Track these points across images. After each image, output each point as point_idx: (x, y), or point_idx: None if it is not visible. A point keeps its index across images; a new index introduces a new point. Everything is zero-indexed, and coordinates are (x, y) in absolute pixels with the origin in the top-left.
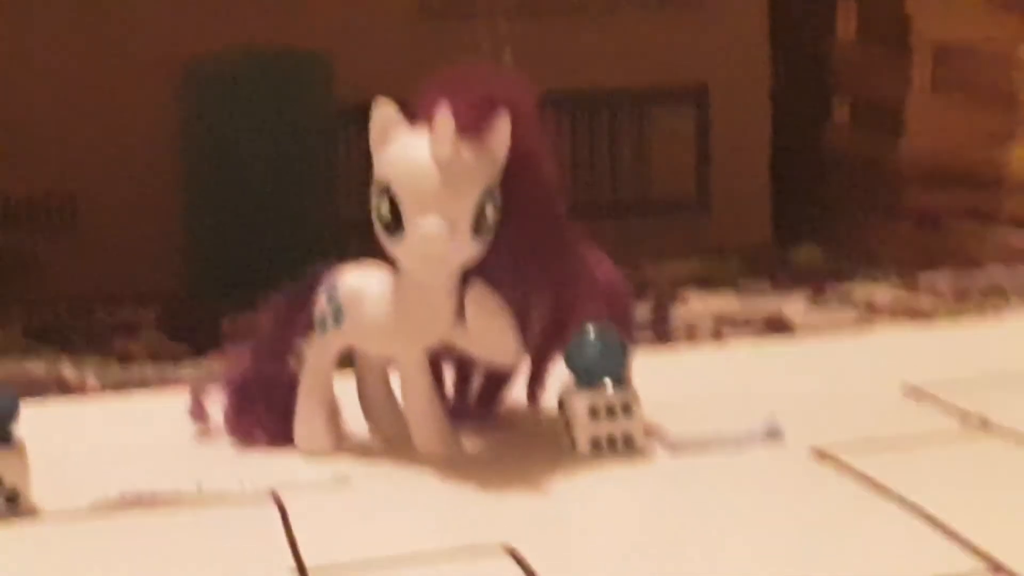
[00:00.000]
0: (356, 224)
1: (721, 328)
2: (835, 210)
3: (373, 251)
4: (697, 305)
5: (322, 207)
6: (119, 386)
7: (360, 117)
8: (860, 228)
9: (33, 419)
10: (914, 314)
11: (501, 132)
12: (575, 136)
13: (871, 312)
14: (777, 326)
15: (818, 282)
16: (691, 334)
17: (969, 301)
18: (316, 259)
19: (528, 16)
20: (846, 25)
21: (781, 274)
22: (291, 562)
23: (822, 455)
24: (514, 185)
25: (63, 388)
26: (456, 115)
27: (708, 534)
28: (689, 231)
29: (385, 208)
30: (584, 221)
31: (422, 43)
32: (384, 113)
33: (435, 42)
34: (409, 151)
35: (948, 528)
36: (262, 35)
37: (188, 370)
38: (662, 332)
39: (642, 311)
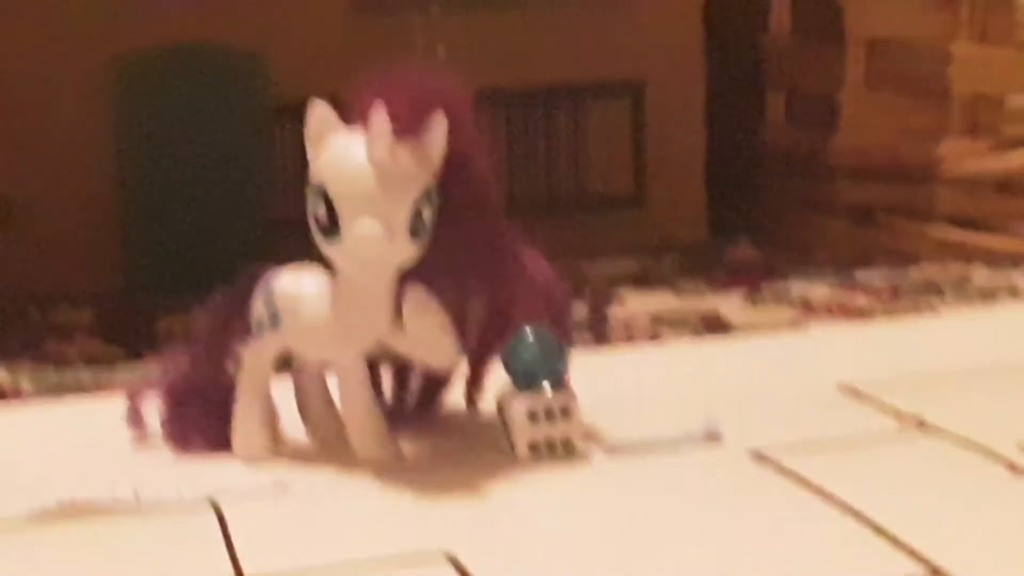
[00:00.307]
0: (291, 222)
1: (658, 327)
2: (770, 206)
3: (308, 250)
4: (634, 304)
5: (257, 205)
6: (54, 391)
7: (295, 114)
8: (795, 224)
9: None
10: (850, 312)
11: (437, 133)
12: (511, 132)
13: (807, 310)
14: (714, 325)
15: (754, 279)
16: (628, 334)
17: (904, 298)
18: (252, 258)
19: (463, 11)
20: (780, 20)
21: (717, 271)
22: (230, 570)
23: (760, 456)
24: (450, 186)
25: None
26: (392, 116)
27: (648, 537)
28: (625, 227)
29: (321, 210)
30: (520, 218)
31: (356, 39)
32: (319, 114)
33: (369, 38)
34: (345, 153)
35: (888, 532)
36: (195, 32)
37: (124, 373)
38: (599, 332)
39: (579, 310)
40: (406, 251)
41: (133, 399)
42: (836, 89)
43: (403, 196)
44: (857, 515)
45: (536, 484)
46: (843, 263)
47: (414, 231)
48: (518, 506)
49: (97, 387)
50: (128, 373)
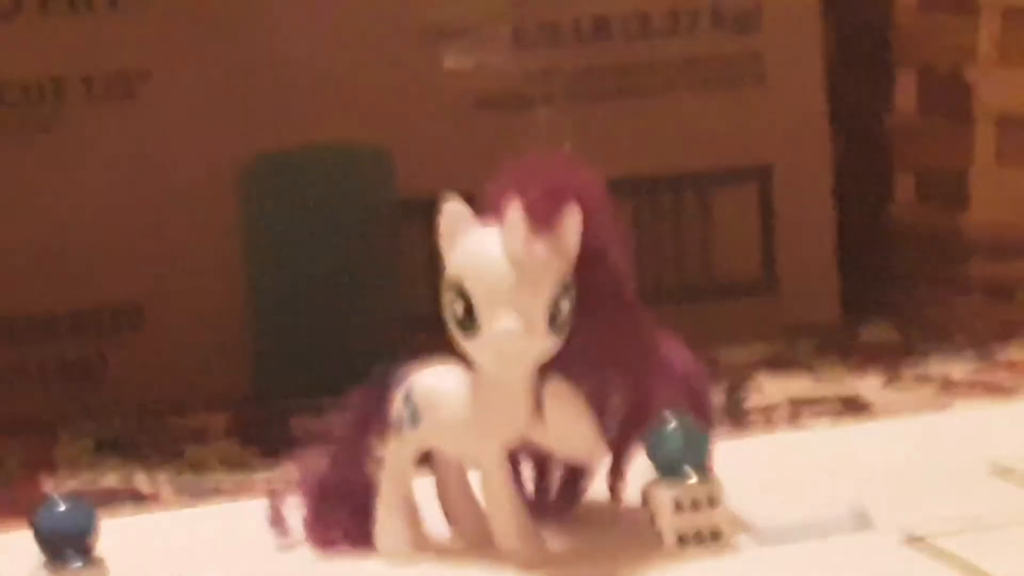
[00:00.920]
0: (421, 319)
1: (797, 411)
2: (904, 285)
3: (440, 347)
4: (771, 388)
5: (387, 303)
6: (194, 495)
7: (421, 211)
8: (930, 302)
9: (111, 533)
10: (992, 389)
11: (573, 224)
12: (638, 221)
13: (948, 389)
14: (854, 407)
15: (892, 360)
16: (767, 418)
17: None
18: (382, 356)
19: (584, 102)
20: (906, 97)
21: (854, 353)
22: None
23: (914, 539)
24: (587, 277)
25: (137, 499)
26: (527, 209)
27: None
28: (757, 312)
29: (459, 306)
30: (650, 307)
31: (480, 135)
32: (453, 210)
33: (493, 133)
34: (481, 248)
35: None
36: (320, 132)
37: (261, 475)
38: (738, 418)
39: (716, 397)
40: (545, 345)
41: (274, 500)
42: (966, 165)
43: (541, 289)
44: None
45: (687, 575)
46: (981, 340)
47: (552, 324)
48: None
49: (236, 489)
50: (265, 474)
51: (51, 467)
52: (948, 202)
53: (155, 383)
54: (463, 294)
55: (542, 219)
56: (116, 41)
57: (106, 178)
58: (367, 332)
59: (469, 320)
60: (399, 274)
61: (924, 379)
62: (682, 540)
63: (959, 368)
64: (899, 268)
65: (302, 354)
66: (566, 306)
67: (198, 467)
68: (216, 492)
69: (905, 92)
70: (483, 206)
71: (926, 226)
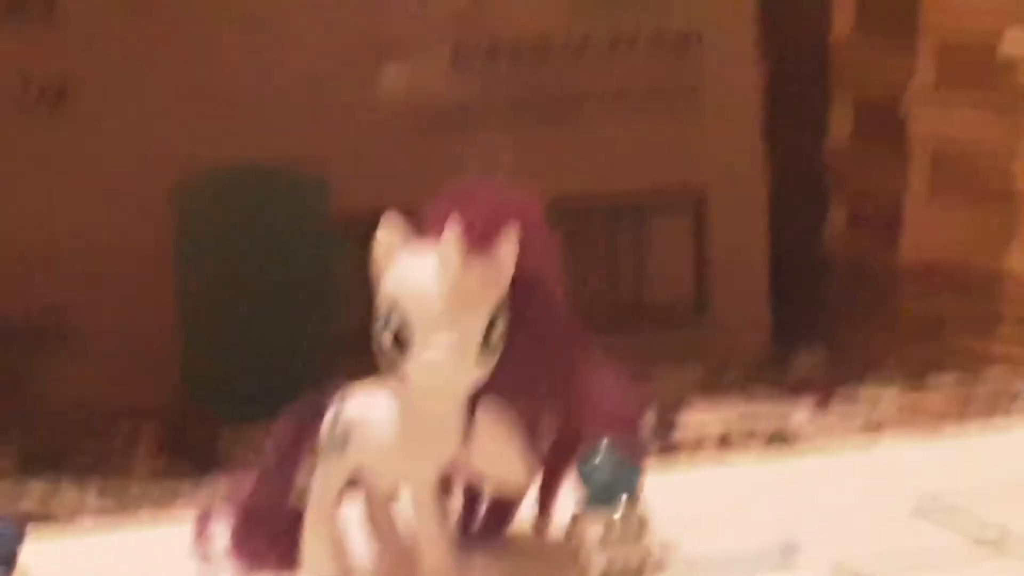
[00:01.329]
0: (354, 340)
1: (726, 441)
2: (836, 314)
3: (372, 368)
4: (700, 416)
5: (319, 322)
6: (119, 507)
7: (356, 231)
8: (860, 333)
9: (32, 550)
10: (920, 422)
11: (509, 248)
12: (571, 246)
13: (876, 420)
14: (781, 437)
15: (821, 389)
16: (696, 446)
17: (977, 407)
18: (314, 375)
19: (522, 126)
20: (842, 127)
21: (783, 381)
22: None
23: (841, 571)
24: (521, 301)
25: (62, 512)
26: (464, 232)
27: None
28: (689, 338)
29: (392, 327)
30: (583, 336)
31: (416, 156)
32: (390, 230)
33: (429, 155)
34: (416, 270)
35: None
36: (255, 149)
37: (188, 488)
38: (666, 444)
39: (647, 422)
40: (478, 368)
41: (200, 521)
42: (900, 197)
43: (475, 313)
44: None
45: None
46: (911, 372)
47: (486, 348)
48: None
49: (162, 502)
50: (193, 487)
51: None
52: (881, 233)
53: (81, 395)
54: (396, 316)
55: (478, 242)
56: (51, 48)
57: (35, 185)
58: (299, 351)
59: (401, 343)
60: (332, 294)
61: (852, 411)
62: (607, 573)
63: (888, 399)
64: (831, 298)
65: (232, 370)
66: (500, 328)
67: (124, 478)
68: (142, 504)
69: (841, 122)
70: (418, 228)
71: (859, 257)
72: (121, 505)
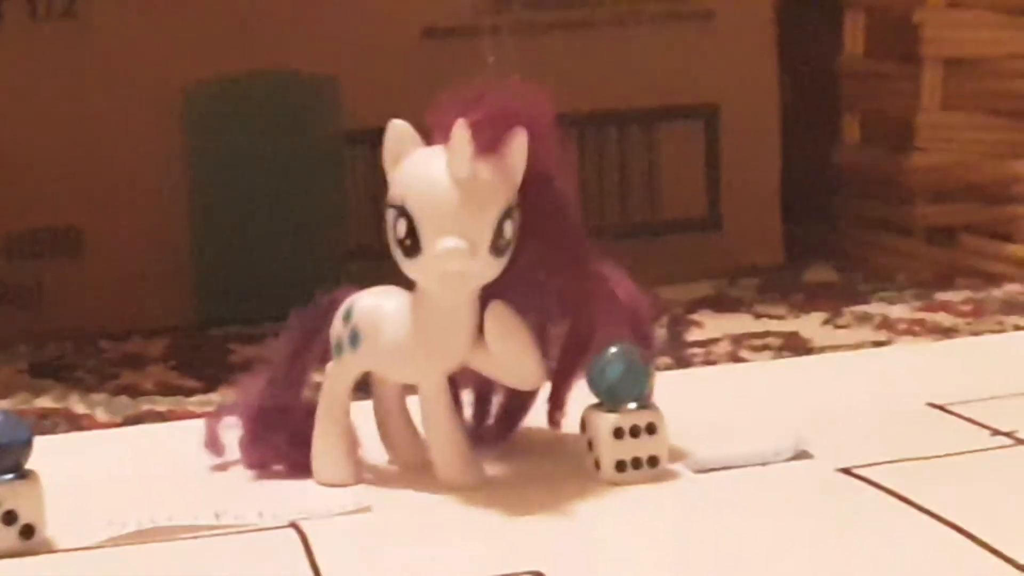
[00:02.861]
0: (364, 249)
1: (738, 346)
2: (847, 228)
3: (382, 278)
4: (712, 326)
5: (331, 232)
6: (129, 420)
7: (366, 141)
8: (873, 246)
9: (45, 451)
10: (933, 331)
11: (519, 147)
12: (583, 156)
13: (889, 330)
14: (793, 343)
15: (833, 300)
16: (708, 353)
17: (987, 318)
18: (324, 285)
19: (532, 35)
20: (854, 41)
21: (795, 293)
22: None
23: (850, 472)
24: (531, 203)
25: (71, 420)
26: (473, 130)
27: (740, 553)
28: (700, 251)
29: (401, 228)
30: (593, 243)
31: (426, 65)
32: (398, 131)
33: (439, 64)
34: (425, 169)
35: (985, 542)
36: (266, 59)
37: (198, 400)
38: (679, 356)
39: (658, 335)
40: (488, 268)
41: (211, 424)
42: (912, 109)
43: (485, 211)
44: (953, 526)
45: (623, 503)
46: (923, 283)
47: (496, 248)
48: (606, 525)
49: (171, 414)
50: (202, 400)
51: None
52: (894, 145)
53: (93, 309)
54: (406, 214)
55: (488, 141)
56: None
57: (47, 100)
58: (310, 261)
59: (411, 241)
60: (343, 203)
61: (864, 318)
62: (620, 468)
63: (899, 309)
64: (843, 210)
65: (245, 282)
66: (510, 230)
67: (133, 392)
68: (151, 416)
69: (853, 34)
70: (429, 129)
71: (871, 169)
72: (129, 413)
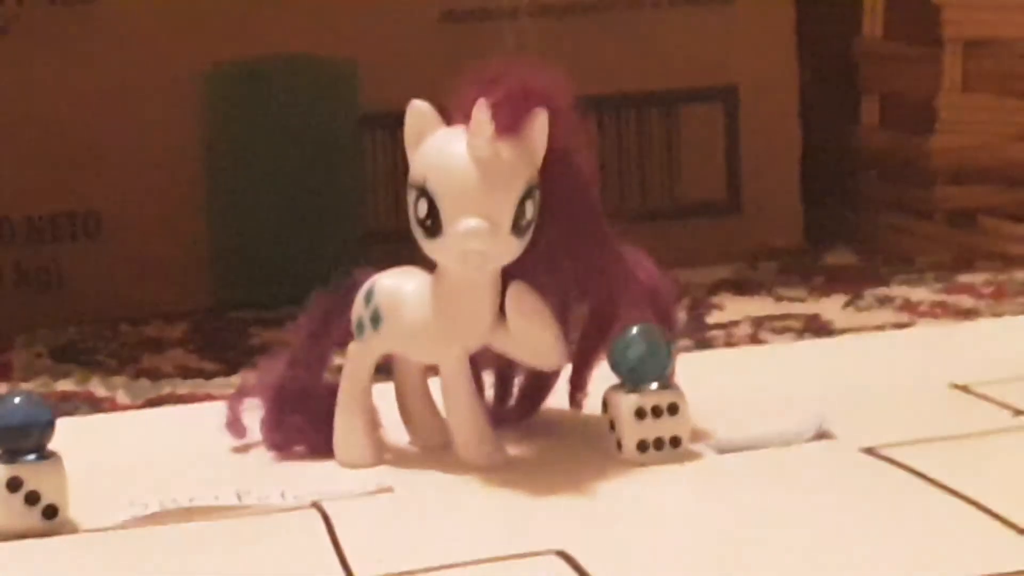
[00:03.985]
0: (383, 233)
1: (759, 328)
2: (867, 211)
3: (400, 261)
4: (733, 308)
5: (349, 216)
6: (150, 403)
7: (384, 124)
8: (893, 228)
9: (66, 433)
10: (955, 313)
11: (540, 127)
12: (602, 139)
13: (911, 312)
14: (815, 325)
15: (854, 283)
16: (729, 335)
17: (1009, 300)
18: (343, 270)
19: (550, 18)
20: (873, 22)
21: (816, 276)
22: (341, 572)
23: (873, 452)
24: (552, 182)
25: (92, 403)
26: (494, 110)
27: (762, 533)
28: (720, 234)
29: (422, 208)
30: (613, 225)
31: (445, 48)
32: (418, 111)
33: (458, 47)
34: (446, 149)
35: (1009, 520)
36: (283, 43)
37: (218, 383)
38: (699, 338)
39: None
40: (509, 248)
41: (232, 405)
42: (932, 91)
43: (506, 191)
44: (977, 505)
45: (646, 482)
46: (944, 267)
47: (517, 228)
48: (628, 505)
49: (191, 397)
50: (222, 383)
51: (6, 373)
52: (913, 127)
53: (112, 292)
54: (426, 195)
55: (508, 120)
56: None
57: (66, 83)
58: (328, 244)
59: (432, 221)
60: (362, 187)
61: (885, 300)
62: (642, 448)
63: (921, 291)
64: (863, 193)
65: (262, 265)
66: (531, 210)
67: (154, 375)
68: (171, 399)
69: (873, 15)
70: (449, 109)
71: (891, 151)
72: (149, 396)
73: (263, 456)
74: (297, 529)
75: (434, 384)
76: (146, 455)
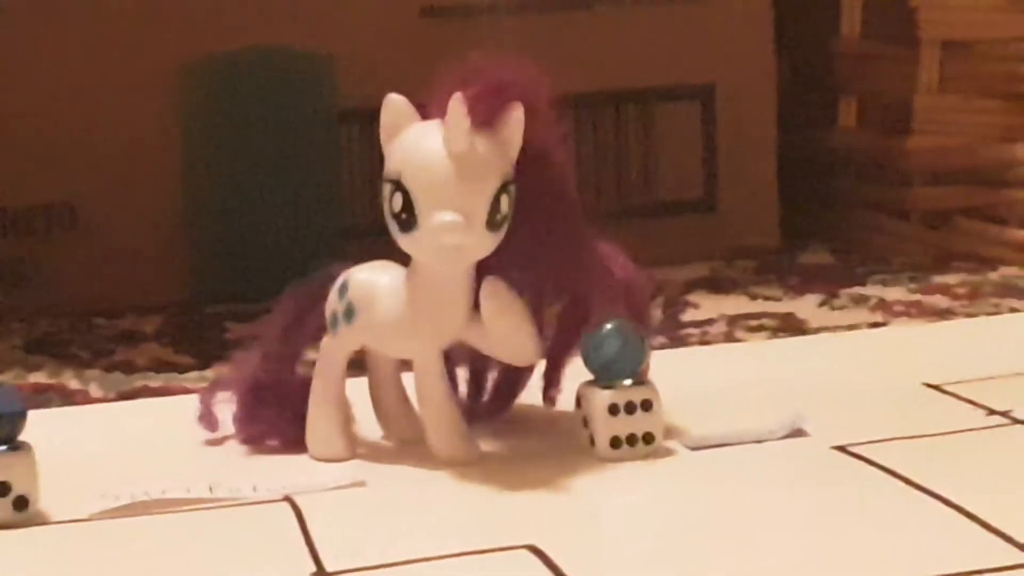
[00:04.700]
0: (359, 228)
1: (734, 327)
2: (843, 210)
3: (377, 256)
4: (708, 308)
5: (325, 210)
6: (123, 396)
7: (361, 119)
8: (869, 228)
9: (38, 424)
10: (929, 314)
11: (516, 122)
12: (579, 136)
13: (885, 312)
14: (789, 324)
15: (829, 283)
16: (703, 333)
17: (984, 301)
18: (319, 264)
19: (529, 15)
20: (851, 22)
21: (791, 275)
22: (311, 566)
23: (846, 450)
24: (528, 178)
25: (65, 395)
26: (470, 104)
27: (734, 530)
28: (696, 233)
29: (397, 202)
30: (591, 222)
31: (424, 44)
32: (394, 105)
33: (437, 42)
34: (422, 143)
35: (980, 518)
36: (260, 37)
37: (192, 377)
38: (674, 336)
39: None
40: (484, 241)
41: (205, 398)
42: (910, 92)
43: (481, 185)
44: (948, 503)
45: (618, 478)
46: (920, 267)
47: (492, 223)
48: (600, 501)
49: (165, 390)
50: (198, 379)
51: None
52: (890, 128)
53: (87, 285)
54: (401, 189)
55: (484, 115)
56: None
57: (42, 76)
58: (304, 239)
59: (407, 215)
60: (338, 182)
61: (861, 300)
62: (615, 444)
63: (896, 291)
64: (839, 193)
65: (239, 259)
66: (506, 204)
67: (128, 368)
68: (145, 392)
69: (850, 16)
70: (425, 104)
71: (867, 151)
72: (122, 389)
73: (236, 449)
74: (268, 522)
75: (408, 379)
76: (118, 447)
